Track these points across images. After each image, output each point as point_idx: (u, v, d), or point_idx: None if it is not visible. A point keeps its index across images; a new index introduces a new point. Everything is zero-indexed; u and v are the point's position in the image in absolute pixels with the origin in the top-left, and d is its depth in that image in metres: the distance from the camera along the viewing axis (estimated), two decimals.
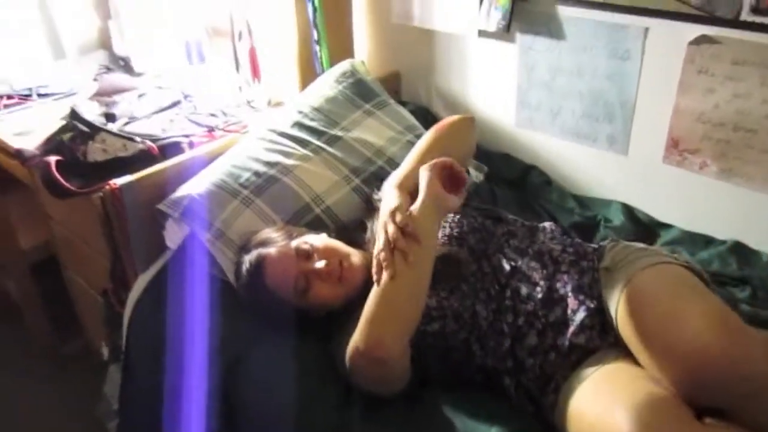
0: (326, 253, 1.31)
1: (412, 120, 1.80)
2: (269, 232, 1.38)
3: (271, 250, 1.31)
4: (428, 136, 1.36)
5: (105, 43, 2.51)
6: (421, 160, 1.27)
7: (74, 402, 2.08)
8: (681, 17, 1.43)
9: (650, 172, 1.62)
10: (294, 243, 1.32)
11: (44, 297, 2.14)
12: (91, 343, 2.14)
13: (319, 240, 1.35)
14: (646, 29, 1.49)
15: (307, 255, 1.31)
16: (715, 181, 1.51)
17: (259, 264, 1.31)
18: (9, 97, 2.05)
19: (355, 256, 1.34)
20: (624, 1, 1.50)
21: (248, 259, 1.33)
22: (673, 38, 1.46)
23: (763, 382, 0.98)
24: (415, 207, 1.18)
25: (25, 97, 2.07)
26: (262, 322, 1.38)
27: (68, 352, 2.23)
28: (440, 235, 1.31)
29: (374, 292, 1.16)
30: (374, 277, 1.16)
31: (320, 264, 1.28)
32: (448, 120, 1.40)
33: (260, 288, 1.30)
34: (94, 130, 1.57)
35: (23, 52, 2.37)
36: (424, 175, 1.21)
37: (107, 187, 1.43)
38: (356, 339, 1.13)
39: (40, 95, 2.08)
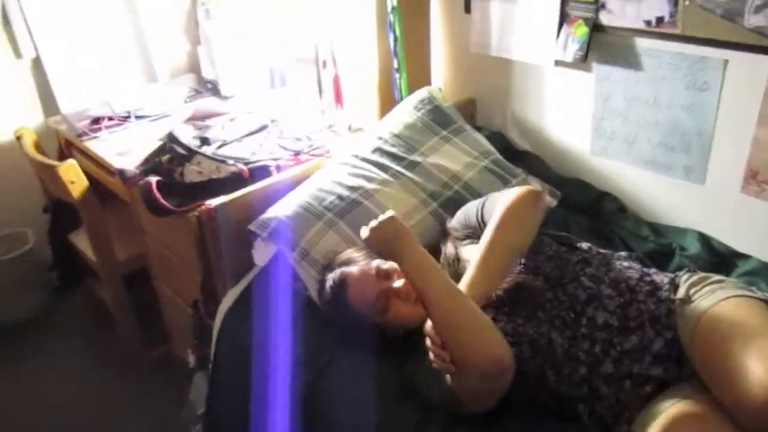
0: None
1: (488, 146, 1.85)
2: (352, 253, 1.46)
3: (353, 269, 1.39)
4: (494, 231, 1.31)
5: (194, 67, 2.68)
6: (486, 266, 1.28)
7: (158, 405, 2.20)
8: (761, 50, 1.43)
9: (728, 202, 1.62)
10: (375, 263, 1.39)
11: (135, 306, 2.28)
12: (176, 351, 2.26)
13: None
14: (726, 61, 1.50)
15: (387, 275, 1.37)
16: None
17: (342, 282, 1.38)
18: (110, 118, 2.21)
19: None
20: (703, 34, 1.51)
21: (331, 277, 1.41)
22: (752, 70, 1.46)
23: None
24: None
25: (124, 118, 2.22)
26: (344, 338, 1.45)
27: (154, 359, 2.36)
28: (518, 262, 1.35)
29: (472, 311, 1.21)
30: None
31: (399, 283, 1.34)
32: (514, 204, 1.33)
33: (342, 305, 1.37)
34: (191, 153, 1.68)
35: (119, 76, 2.55)
36: None
37: (203, 207, 1.54)
38: (489, 351, 1.15)
39: (137, 117, 2.23)
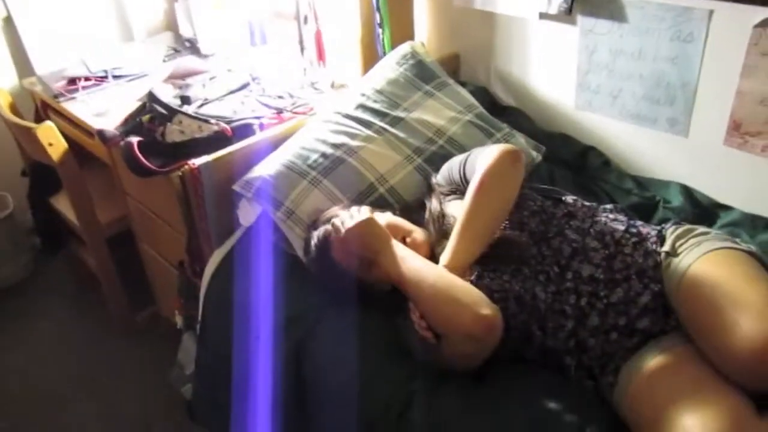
0: (390, 229, 1.37)
1: (472, 99, 1.84)
2: (336, 210, 1.45)
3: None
4: (473, 195, 1.30)
5: (171, 25, 2.61)
6: (468, 232, 1.29)
7: (146, 366, 2.22)
8: (745, 0, 1.43)
9: (711, 154, 1.62)
10: None
11: (119, 268, 2.27)
12: (163, 312, 2.27)
13: (384, 218, 1.41)
14: (711, 11, 1.49)
15: None
16: None
17: (327, 238, 1.38)
18: (87, 78, 2.16)
19: (418, 233, 1.40)
20: None
21: (316, 234, 1.40)
22: (737, 21, 1.45)
23: None
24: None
25: (101, 78, 2.18)
26: (330, 296, 1.45)
27: (141, 321, 2.37)
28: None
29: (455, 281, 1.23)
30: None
31: None
32: (492, 167, 1.32)
33: (328, 262, 1.37)
34: (172, 112, 1.66)
35: (94, 35, 2.49)
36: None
37: (187, 166, 1.53)
38: (474, 315, 1.17)
39: (114, 77, 2.18)
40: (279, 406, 1.48)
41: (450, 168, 1.50)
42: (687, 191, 1.66)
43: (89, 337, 2.38)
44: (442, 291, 1.21)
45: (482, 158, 1.35)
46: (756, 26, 1.43)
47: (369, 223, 1.31)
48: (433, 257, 1.35)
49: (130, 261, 2.26)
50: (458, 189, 1.47)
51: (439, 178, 1.54)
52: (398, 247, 1.31)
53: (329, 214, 1.45)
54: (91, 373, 2.23)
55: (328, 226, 1.39)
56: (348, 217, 1.36)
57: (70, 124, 2.04)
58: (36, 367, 2.27)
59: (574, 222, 1.34)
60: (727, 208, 1.62)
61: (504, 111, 1.97)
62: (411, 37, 2.03)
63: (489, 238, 1.31)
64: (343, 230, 1.31)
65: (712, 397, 1.04)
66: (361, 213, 1.38)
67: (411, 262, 1.28)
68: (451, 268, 1.26)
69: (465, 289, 1.21)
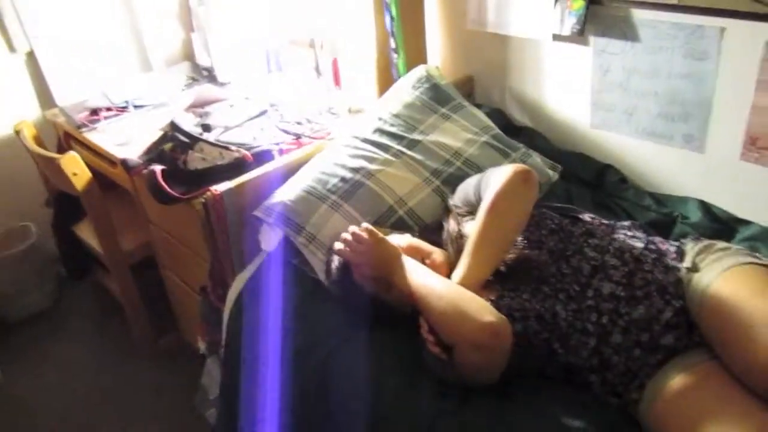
0: (410, 251, 1.39)
1: (488, 121, 1.86)
2: None
3: None
4: (484, 216, 1.32)
5: (189, 55, 2.67)
6: (479, 252, 1.31)
7: (169, 390, 2.24)
8: (757, 17, 1.44)
9: (727, 170, 1.63)
10: None
11: (142, 294, 2.30)
12: (185, 338, 2.29)
13: (404, 240, 1.43)
14: (723, 29, 1.51)
15: None
16: None
17: (347, 263, 1.39)
18: (108, 109, 2.21)
19: (438, 253, 1.41)
20: (699, 2, 1.51)
21: (338, 257, 1.42)
22: (750, 38, 1.47)
23: None
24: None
25: (122, 108, 2.23)
26: (353, 318, 1.46)
27: (163, 346, 2.39)
28: (519, 238, 1.37)
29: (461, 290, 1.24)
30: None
31: None
32: (503, 187, 1.32)
33: (349, 284, 1.38)
34: (193, 140, 1.69)
35: (114, 67, 2.55)
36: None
37: (209, 193, 1.55)
38: (482, 321, 1.18)
39: (135, 107, 2.23)
40: (304, 426, 1.49)
41: (465, 189, 1.52)
42: (705, 207, 1.67)
43: (113, 362, 2.41)
44: (450, 302, 1.22)
45: (495, 178, 1.37)
46: None
47: (378, 242, 1.32)
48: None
49: (153, 287, 2.30)
50: (474, 209, 1.49)
51: (456, 199, 1.55)
52: (408, 262, 1.33)
53: None
54: (115, 397, 2.25)
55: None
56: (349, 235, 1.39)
57: (92, 153, 2.08)
58: (61, 391, 2.30)
59: (593, 240, 1.35)
60: (745, 222, 1.62)
61: (519, 131, 1.99)
62: (425, 61, 2.06)
63: (501, 257, 1.32)
64: (351, 254, 1.33)
65: (738, 413, 1.04)
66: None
67: (421, 275, 1.29)
68: (463, 285, 1.27)
69: (471, 299, 1.22)
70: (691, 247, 1.33)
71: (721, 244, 1.33)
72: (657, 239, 1.39)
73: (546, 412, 1.21)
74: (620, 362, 1.21)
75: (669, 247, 1.35)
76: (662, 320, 1.21)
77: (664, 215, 1.67)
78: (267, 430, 1.53)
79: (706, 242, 1.33)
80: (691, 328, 1.22)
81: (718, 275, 1.21)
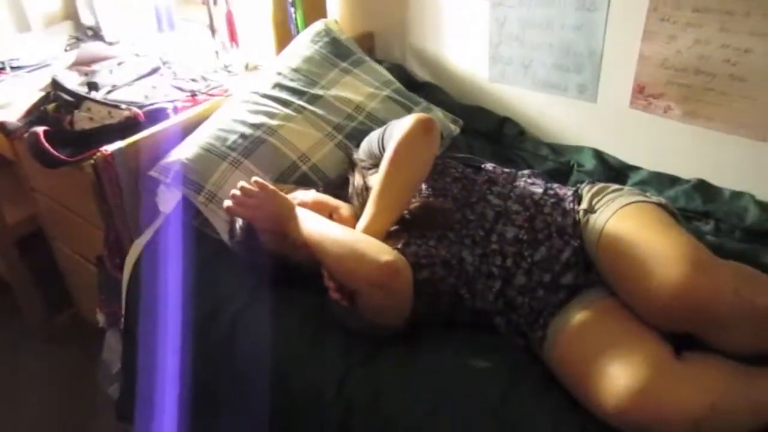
0: (316, 206, 1.36)
1: (389, 75, 1.85)
2: None
3: None
4: (387, 165, 1.31)
5: (71, 14, 2.49)
6: (382, 201, 1.30)
7: (69, 370, 2.13)
8: None
9: (618, 118, 1.70)
10: None
11: (32, 272, 2.16)
12: (83, 313, 2.17)
13: (309, 195, 1.40)
14: None
15: None
16: (679, 123, 1.60)
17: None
18: None
19: (345, 208, 1.40)
20: None
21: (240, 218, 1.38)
22: None
23: (730, 312, 1.07)
24: None
25: None
26: (258, 278, 1.43)
27: (59, 324, 2.26)
28: (424, 187, 1.37)
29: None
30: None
31: None
32: (405, 136, 1.31)
33: (254, 243, 1.36)
34: (79, 99, 1.58)
35: None
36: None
37: (99, 154, 1.46)
38: (379, 260, 1.17)
39: (12, 68, 2.06)
40: (210, 392, 1.45)
41: (369, 142, 1.50)
42: (599, 155, 1.73)
43: (4, 345, 2.26)
44: (345, 245, 1.20)
45: (397, 128, 1.36)
46: None
47: (269, 194, 1.28)
48: None
49: (43, 262, 2.15)
50: (379, 161, 1.48)
51: (360, 153, 1.54)
52: (302, 212, 1.30)
53: None
54: (9, 381, 2.11)
55: None
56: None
57: None
58: None
59: (496, 188, 1.37)
60: (635, 168, 1.70)
61: (421, 87, 1.99)
62: (324, 16, 2.02)
63: (404, 206, 1.32)
64: (241, 209, 1.28)
65: (635, 344, 1.10)
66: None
67: (315, 224, 1.27)
68: (367, 233, 1.25)
69: (366, 241, 1.21)
70: (587, 191, 1.38)
71: (615, 186, 1.38)
72: (555, 185, 1.43)
73: (454, 357, 1.23)
74: (524, 303, 1.25)
75: (567, 191, 1.39)
76: (562, 259, 1.25)
77: (561, 164, 1.73)
78: (167, 398, 1.48)
79: (601, 185, 1.39)
80: (589, 267, 1.27)
81: (613, 214, 1.26)
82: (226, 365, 1.42)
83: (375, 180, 1.34)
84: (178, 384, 1.47)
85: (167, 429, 1.48)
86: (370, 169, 1.49)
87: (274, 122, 1.59)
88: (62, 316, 2.26)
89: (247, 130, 1.56)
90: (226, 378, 1.43)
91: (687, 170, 1.63)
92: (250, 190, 1.27)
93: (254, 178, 1.29)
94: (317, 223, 1.27)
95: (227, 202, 1.29)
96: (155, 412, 1.52)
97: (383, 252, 1.18)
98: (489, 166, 1.48)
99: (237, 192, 1.28)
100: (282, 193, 1.30)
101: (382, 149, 1.43)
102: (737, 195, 1.55)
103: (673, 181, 1.63)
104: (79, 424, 1.97)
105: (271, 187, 1.29)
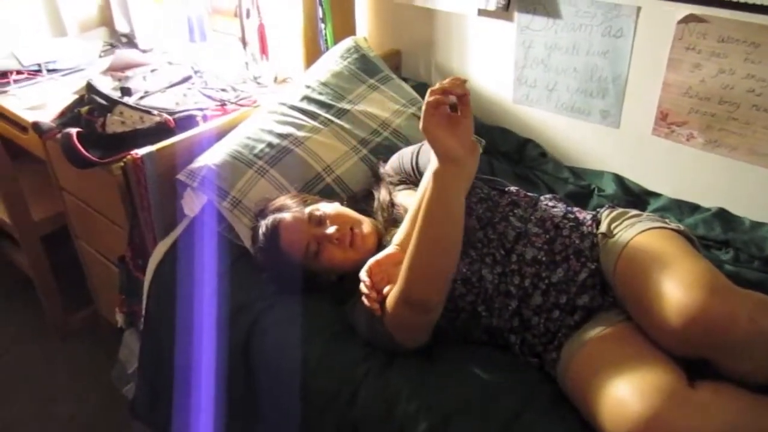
0: (338, 219, 1.39)
1: (414, 94, 1.88)
2: (285, 200, 1.46)
3: (286, 215, 1.39)
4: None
5: (106, 21, 2.55)
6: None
7: (84, 367, 2.16)
8: None
9: (640, 144, 1.71)
10: (308, 209, 1.40)
11: (54, 269, 2.20)
12: (101, 312, 2.21)
13: (332, 207, 1.43)
14: (639, 8, 1.58)
15: (319, 221, 1.38)
16: (701, 151, 1.61)
17: (275, 228, 1.38)
18: (18, 72, 2.09)
19: (366, 223, 1.42)
20: None
21: (264, 223, 1.40)
22: (663, 17, 1.54)
23: (744, 339, 1.06)
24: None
25: (34, 72, 2.11)
26: (278, 285, 1.46)
27: (78, 322, 2.30)
28: None
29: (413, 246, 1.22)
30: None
31: (331, 229, 1.36)
32: None
33: (275, 251, 1.38)
34: (112, 103, 1.62)
35: (24, 30, 2.41)
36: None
37: (129, 156, 1.50)
38: (406, 286, 1.17)
39: (49, 71, 2.12)
40: (225, 398, 1.47)
41: (401, 158, 1.52)
42: (619, 180, 1.75)
43: (23, 339, 2.30)
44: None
45: None
46: (680, 22, 1.52)
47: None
48: (381, 246, 1.37)
49: (66, 261, 2.19)
50: (408, 179, 1.50)
51: (388, 167, 1.55)
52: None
53: (278, 203, 1.45)
54: (26, 376, 2.15)
55: (278, 215, 1.39)
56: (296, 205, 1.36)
57: (0, 118, 1.97)
58: None
59: (518, 210, 1.38)
60: (656, 194, 1.71)
61: None
62: (353, 33, 2.06)
63: None
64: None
65: (648, 370, 1.09)
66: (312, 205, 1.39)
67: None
68: (403, 248, 1.26)
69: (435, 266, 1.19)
70: (606, 215, 1.39)
71: (634, 211, 1.39)
72: (575, 209, 1.44)
73: (468, 372, 1.24)
74: (540, 323, 1.26)
75: (586, 215, 1.40)
76: (578, 281, 1.26)
77: (582, 187, 1.74)
78: (188, 399, 1.50)
79: (620, 210, 1.40)
80: (605, 290, 1.27)
81: (631, 239, 1.27)
82: (245, 369, 1.43)
83: (410, 200, 1.35)
84: (197, 385, 1.49)
85: (188, 429, 1.50)
86: (397, 185, 1.51)
87: (301, 133, 1.62)
88: (81, 314, 2.30)
89: (275, 140, 1.59)
90: (245, 380, 1.44)
91: (708, 198, 1.64)
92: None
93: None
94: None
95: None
96: (173, 412, 1.54)
97: None
98: (513, 189, 1.49)
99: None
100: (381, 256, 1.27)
101: (416, 167, 1.45)
102: (757, 225, 1.55)
103: (694, 208, 1.64)
104: (89, 419, 1.98)
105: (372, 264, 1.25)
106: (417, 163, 1.46)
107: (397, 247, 1.28)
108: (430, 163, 1.18)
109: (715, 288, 1.11)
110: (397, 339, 1.24)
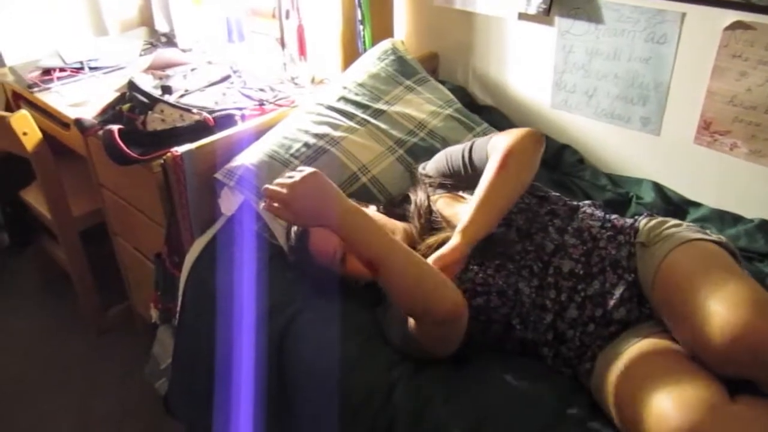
0: None
1: (451, 96, 1.88)
2: None
3: None
4: (496, 170, 1.30)
5: (146, 20, 2.60)
6: (488, 205, 1.28)
7: (118, 362, 2.19)
8: (717, 3, 1.49)
9: (681, 153, 1.68)
10: None
11: (91, 264, 2.23)
12: (136, 308, 2.24)
13: (368, 212, 1.42)
14: (683, 14, 1.55)
15: None
16: (745, 162, 1.58)
17: (304, 232, 1.38)
18: (62, 70, 2.13)
19: (397, 232, 1.40)
20: None
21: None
22: (709, 23, 1.52)
23: None
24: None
25: (77, 70, 2.15)
26: (312, 284, 1.46)
27: (113, 317, 2.33)
28: None
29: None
30: None
31: None
32: (516, 144, 1.32)
33: (305, 253, 1.38)
34: (153, 101, 1.65)
35: (66, 28, 2.46)
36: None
37: (169, 154, 1.52)
38: (438, 298, 1.15)
39: (91, 68, 2.15)
40: (261, 395, 1.47)
41: (448, 157, 1.49)
42: (658, 188, 1.72)
43: (59, 333, 2.34)
44: (412, 275, 1.14)
45: (504, 136, 1.36)
46: (726, 29, 1.49)
47: (315, 175, 1.14)
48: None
49: (102, 256, 2.23)
50: (454, 178, 1.48)
51: (429, 168, 1.53)
52: (364, 220, 1.15)
53: None
54: (61, 369, 2.19)
55: None
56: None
57: (43, 115, 2.01)
58: (5, 362, 2.22)
59: (557, 221, 1.36)
60: (696, 204, 1.68)
61: (481, 110, 2.01)
62: (391, 35, 2.06)
63: (503, 215, 1.31)
64: (276, 209, 1.14)
65: (687, 382, 1.07)
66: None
67: (378, 236, 1.15)
68: (467, 235, 1.24)
69: (432, 273, 1.16)
70: (644, 224, 1.36)
71: (674, 221, 1.36)
72: (614, 216, 1.41)
73: (499, 380, 1.23)
74: (575, 336, 1.24)
75: (624, 222, 1.38)
76: (615, 294, 1.24)
77: (620, 195, 1.72)
78: (223, 396, 1.51)
79: (660, 219, 1.37)
80: (643, 302, 1.25)
81: (671, 250, 1.24)
82: (279, 367, 1.44)
83: (448, 207, 1.36)
84: (231, 383, 1.49)
85: (221, 426, 1.51)
86: (437, 189, 1.49)
87: (337, 133, 1.62)
88: (116, 309, 2.33)
89: (311, 140, 1.60)
90: (279, 380, 1.45)
91: (750, 210, 1.60)
92: (283, 183, 1.15)
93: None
94: (382, 238, 1.16)
95: (262, 203, 1.20)
96: (207, 408, 1.55)
97: (451, 290, 1.16)
98: (553, 195, 1.46)
99: (270, 186, 1.15)
100: (327, 180, 1.16)
101: (468, 162, 1.43)
102: None
103: (736, 219, 1.60)
104: (123, 413, 2.01)
105: (311, 170, 1.16)
106: (470, 159, 1.43)
107: (459, 237, 1.26)
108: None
109: (760, 308, 1.08)
110: (426, 348, 1.23)
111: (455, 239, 1.25)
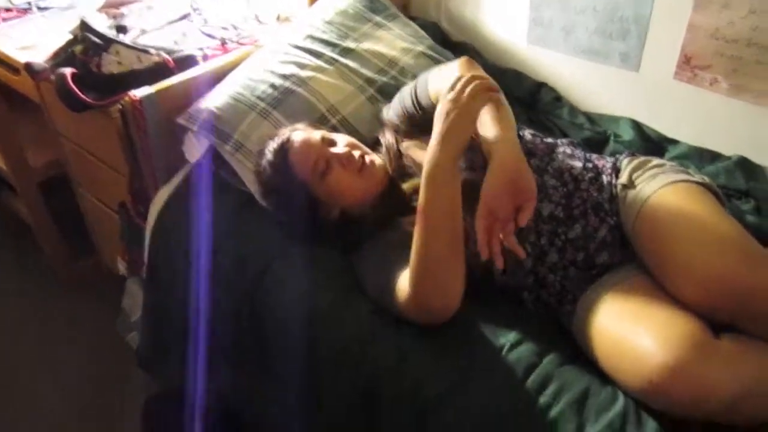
0: (350, 144, 1.34)
1: (422, 32, 1.81)
2: (297, 125, 1.40)
3: (297, 134, 1.34)
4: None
5: None
6: (503, 122, 1.20)
7: (90, 316, 2.14)
8: None
9: (660, 89, 1.63)
10: (321, 131, 1.36)
11: (55, 217, 2.16)
12: (104, 261, 2.17)
13: (343, 138, 1.37)
14: None
15: (331, 143, 1.33)
16: (725, 97, 1.53)
17: (284, 143, 1.33)
18: (7, 10, 2.01)
19: (378, 157, 1.37)
20: None
21: (274, 141, 1.35)
22: None
23: None
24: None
25: (24, 10, 2.03)
26: (285, 231, 1.41)
27: (80, 271, 2.27)
28: (462, 160, 1.31)
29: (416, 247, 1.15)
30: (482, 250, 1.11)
31: (343, 149, 1.31)
32: (462, 65, 1.31)
33: (283, 167, 1.31)
34: (107, 42, 1.54)
35: None
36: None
37: (127, 98, 1.43)
38: (419, 292, 1.13)
39: (39, 8, 2.03)
40: (235, 345, 1.44)
41: (401, 99, 1.44)
42: (637, 126, 1.68)
43: (25, 291, 2.27)
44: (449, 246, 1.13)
45: (446, 70, 1.30)
46: None
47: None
48: (393, 189, 1.32)
49: (67, 208, 2.14)
50: (414, 122, 1.42)
51: (392, 114, 1.48)
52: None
53: (289, 128, 1.40)
54: (33, 324, 2.14)
55: (286, 132, 1.35)
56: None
57: None
58: None
59: (534, 160, 1.30)
60: (675, 142, 1.65)
61: (455, 47, 1.93)
62: None
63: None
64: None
65: (671, 319, 1.05)
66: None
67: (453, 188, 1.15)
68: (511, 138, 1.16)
69: (458, 266, 1.14)
70: (626, 164, 1.33)
71: (657, 160, 1.33)
72: (594, 156, 1.38)
73: (483, 326, 1.20)
74: (555, 281, 1.22)
75: (605, 163, 1.34)
76: (597, 239, 1.22)
77: (598, 134, 1.68)
78: (195, 348, 1.48)
79: (642, 158, 1.34)
80: (623, 244, 1.23)
81: (654, 192, 1.21)
82: (253, 321, 1.40)
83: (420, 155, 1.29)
84: (200, 336, 1.46)
85: (194, 379, 1.48)
86: (401, 132, 1.43)
87: (304, 73, 1.55)
88: (83, 263, 2.27)
89: (277, 81, 1.53)
90: (252, 331, 1.41)
91: (729, 146, 1.57)
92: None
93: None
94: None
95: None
96: (180, 361, 1.51)
97: (459, 291, 1.14)
98: (528, 134, 1.41)
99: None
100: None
101: (415, 99, 1.37)
102: None
103: (714, 157, 1.57)
104: (98, 367, 1.98)
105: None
106: (416, 94, 1.37)
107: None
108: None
109: (745, 254, 1.08)
110: (401, 317, 1.20)
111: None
